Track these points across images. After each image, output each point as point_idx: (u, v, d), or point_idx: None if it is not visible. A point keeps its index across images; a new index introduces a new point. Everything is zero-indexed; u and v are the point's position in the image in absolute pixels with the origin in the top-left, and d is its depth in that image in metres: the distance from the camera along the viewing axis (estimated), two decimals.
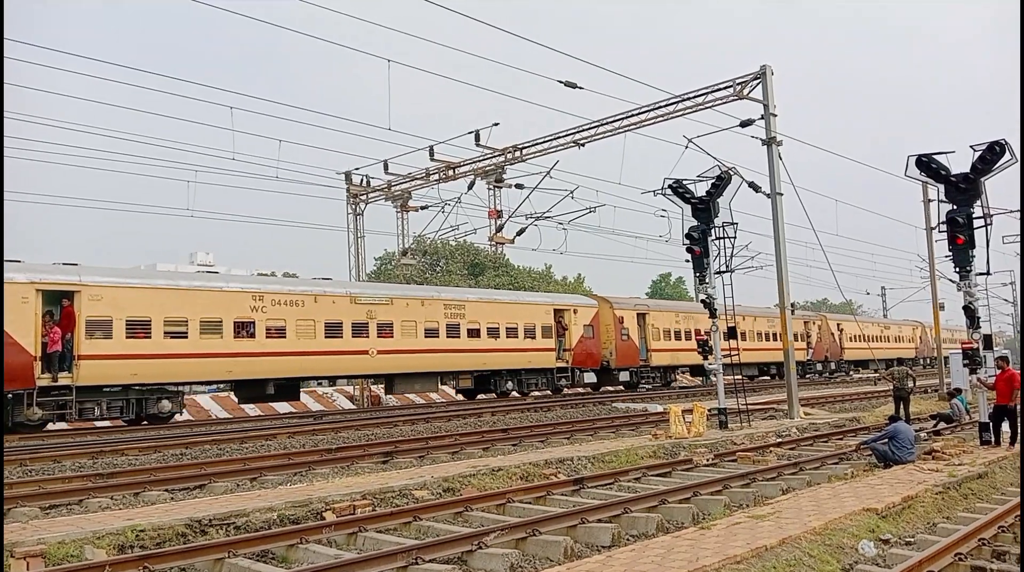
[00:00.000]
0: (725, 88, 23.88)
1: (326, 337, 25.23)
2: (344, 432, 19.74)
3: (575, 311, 33.69)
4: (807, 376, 46.66)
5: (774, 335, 42.82)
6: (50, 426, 21.82)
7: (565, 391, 34.06)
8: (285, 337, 24.16)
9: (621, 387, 36.54)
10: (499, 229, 34.14)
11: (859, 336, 55.26)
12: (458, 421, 22.21)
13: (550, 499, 11.15)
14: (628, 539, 9.01)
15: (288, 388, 25.69)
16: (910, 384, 20.21)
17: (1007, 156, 14.38)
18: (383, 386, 30.74)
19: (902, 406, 19.63)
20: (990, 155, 14.51)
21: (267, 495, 10.90)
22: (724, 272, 20.02)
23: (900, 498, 9.88)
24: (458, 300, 29.86)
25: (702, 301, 20.30)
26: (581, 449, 15.42)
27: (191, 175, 27.45)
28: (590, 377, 34.38)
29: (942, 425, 18.67)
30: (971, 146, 14.82)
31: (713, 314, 19.74)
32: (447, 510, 10.12)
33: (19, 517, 10.20)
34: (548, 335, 32.34)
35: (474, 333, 29.71)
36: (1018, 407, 14.55)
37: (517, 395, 31.99)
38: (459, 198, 32.90)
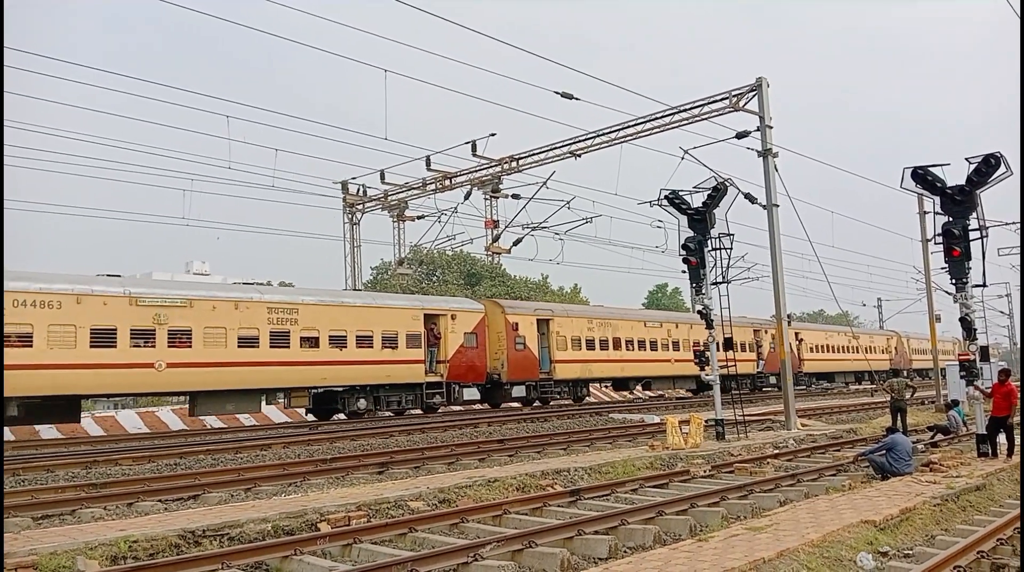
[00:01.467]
0: (721, 100, 23.95)
1: (92, 347, 20.62)
2: (339, 442, 19.64)
3: (452, 317, 29.14)
4: (761, 389, 43.54)
5: (740, 345, 39.70)
6: (44, 435, 21.67)
7: (442, 410, 29.88)
8: (32, 346, 19.64)
9: (517, 404, 32.02)
10: (495, 239, 34.10)
11: (821, 346, 51.71)
12: (454, 432, 22.12)
13: (547, 510, 11.08)
14: (625, 551, 8.95)
15: (55, 409, 20.83)
16: (908, 395, 20.17)
17: (1002, 169, 14.42)
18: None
19: (899, 418, 19.60)
20: (985, 167, 14.55)
21: (261, 506, 10.82)
22: (720, 283, 20.02)
23: (898, 510, 9.84)
24: (288, 303, 24.94)
25: (698, 312, 20.29)
26: (578, 460, 15.35)
27: (187, 184, 27.39)
28: (472, 393, 29.80)
29: (939, 437, 18.64)
30: (967, 158, 14.86)
31: (710, 325, 19.71)
32: (443, 521, 10.05)
33: (11, 527, 10.10)
34: (415, 344, 27.65)
35: (310, 342, 25.03)
36: (1016, 422, 14.54)
37: (390, 413, 27.92)
38: (456, 208, 32.94)
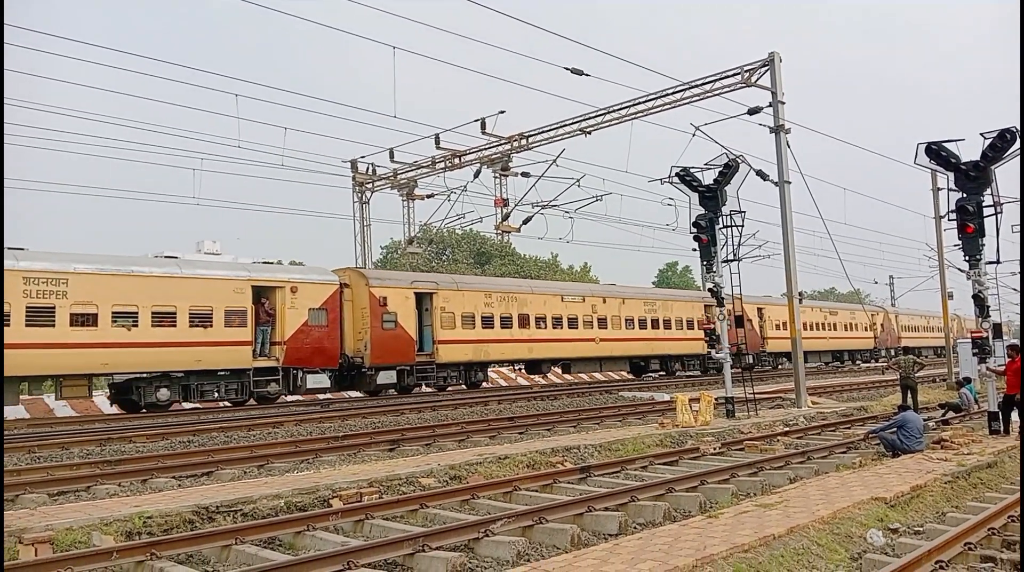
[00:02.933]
0: (733, 75, 23.72)
1: None
2: (351, 420, 19.77)
3: (292, 289, 24.64)
4: (708, 372, 39.43)
5: (697, 323, 37.80)
6: (58, 413, 21.87)
7: (285, 398, 25.74)
8: None
9: (393, 391, 27.82)
10: (505, 217, 34.00)
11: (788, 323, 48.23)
12: (464, 409, 22.22)
13: (557, 487, 11.13)
14: (635, 527, 8.98)
15: None
16: (917, 372, 20.13)
17: (1017, 144, 14.25)
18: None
19: (910, 395, 19.55)
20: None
21: (274, 482, 10.91)
22: (731, 261, 19.92)
23: (909, 487, 9.84)
24: (54, 273, 20.34)
25: (709, 290, 20.22)
26: (587, 437, 15.40)
27: (197, 163, 27.38)
28: (319, 380, 25.39)
29: (951, 414, 18.60)
30: (981, 134, 14.69)
31: (720, 303, 19.65)
32: (454, 498, 10.12)
33: (27, 503, 10.24)
34: (238, 322, 23.32)
35: (84, 321, 20.65)
36: None
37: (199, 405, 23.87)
38: (465, 186, 32.80)
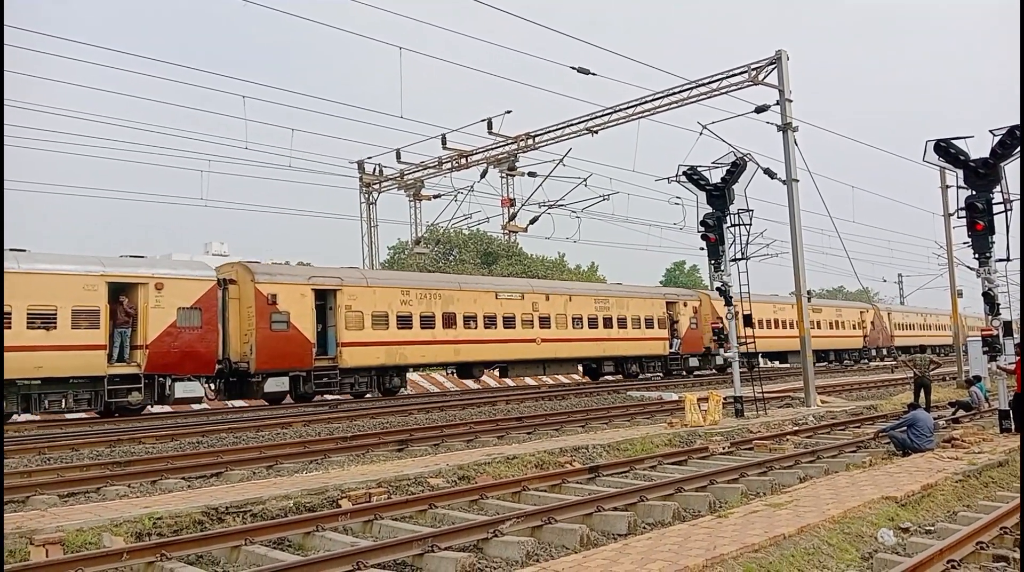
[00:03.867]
0: (740, 74, 23.68)
1: None
2: (359, 420, 19.80)
3: (158, 286, 21.56)
4: (672, 374, 36.75)
5: (639, 321, 35.32)
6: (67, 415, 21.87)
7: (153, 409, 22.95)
8: None
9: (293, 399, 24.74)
10: (512, 217, 34.05)
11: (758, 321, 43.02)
12: (473, 409, 22.22)
13: (565, 487, 11.11)
14: (644, 527, 8.96)
15: None
16: (933, 371, 20.13)
17: None
18: None
19: (923, 394, 19.48)
20: (1010, 140, 14.28)
21: (283, 483, 10.93)
22: (739, 259, 19.88)
23: (919, 486, 9.79)
24: None
25: (717, 289, 20.18)
26: (596, 437, 15.38)
27: (205, 165, 27.47)
28: (191, 388, 22.32)
29: (961, 413, 18.51)
30: (991, 130, 14.60)
31: (728, 302, 19.60)
32: (462, 498, 10.11)
33: (38, 504, 10.28)
34: (89, 324, 20.34)
35: None
36: None
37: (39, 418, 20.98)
38: (472, 186, 32.85)
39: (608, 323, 34.01)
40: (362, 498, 9.97)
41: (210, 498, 9.71)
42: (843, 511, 8.42)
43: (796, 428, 17.15)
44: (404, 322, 26.85)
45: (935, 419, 15.39)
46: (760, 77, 23.09)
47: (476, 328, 28.92)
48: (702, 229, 19.68)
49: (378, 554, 7.39)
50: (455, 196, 33.75)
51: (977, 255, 14.95)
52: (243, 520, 9.15)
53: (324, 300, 25.45)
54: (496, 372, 33.35)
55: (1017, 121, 14.24)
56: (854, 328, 52.53)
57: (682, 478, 10.94)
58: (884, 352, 55.70)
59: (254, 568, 7.42)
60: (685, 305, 38.32)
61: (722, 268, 19.53)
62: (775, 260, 40.67)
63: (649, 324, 35.99)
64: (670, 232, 47.04)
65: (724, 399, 19.02)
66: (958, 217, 15.58)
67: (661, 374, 36.63)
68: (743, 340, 19.76)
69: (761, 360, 41.08)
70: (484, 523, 8.45)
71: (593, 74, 24.13)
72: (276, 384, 23.85)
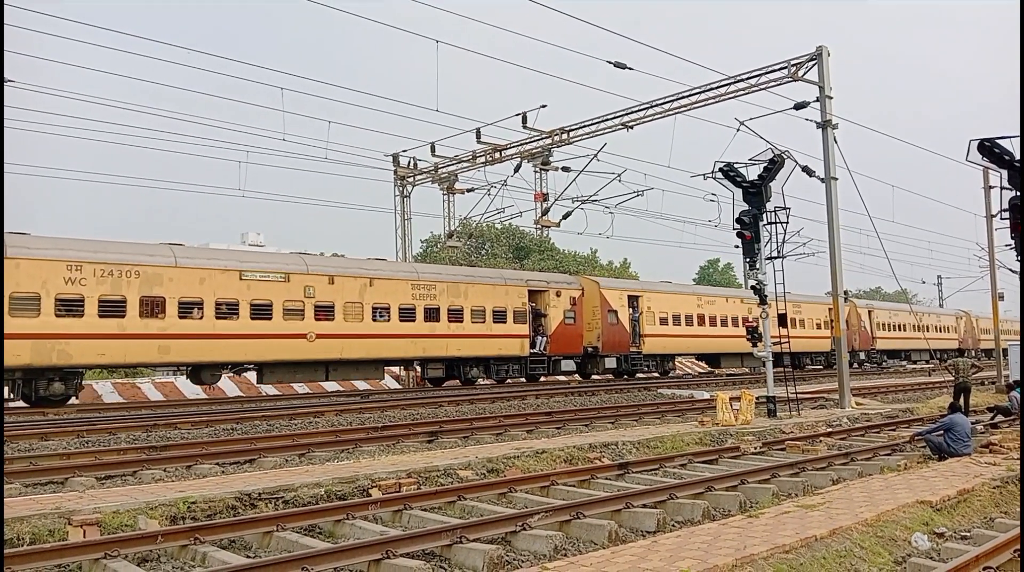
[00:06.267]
0: (780, 69, 23.35)
1: None
2: (390, 411, 19.95)
3: None
4: (534, 380, 30.78)
5: (514, 315, 29.40)
6: (106, 400, 22.31)
7: None
8: None
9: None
10: (545, 212, 33.96)
11: (672, 317, 35.86)
12: (502, 403, 22.26)
13: (594, 483, 11.10)
14: (673, 525, 8.92)
15: None
16: (974, 375, 19.83)
17: None
18: None
19: (962, 397, 19.15)
20: None
21: (315, 471, 11.05)
22: (775, 258, 19.66)
23: (955, 491, 9.61)
24: None
25: (752, 287, 19.95)
26: (626, 434, 15.33)
27: (243, 156, 27.70)
28: None
29: (1000, 418, 18.15)
30: (1020, 130, 14.26)
31: (763, 301, 19.38)
32: (491, 491, 10.15)
33: (76, 486, 10.51)
34: None
35: None
36: None
37: None
38: (505, 181, 32.81)
39: (432, 315, 27.24)
40: (392, 488, 10.05)
41: (243, 484, 9.85)
42: (876, 514, 8.30)
43: (830, 429, 16.95)
44: (70, 308, 20.15)
45: (973, 424, 15.09)
46: (800, 73, 22.76)
47: (200, 318, 22.28)
48: (737, 226, 19.48)
49: (407, 543, 7.44)
50: (488, 190, 33.78)
51: (1020, 257, 14.64)
52: (275, 506, 9.27)
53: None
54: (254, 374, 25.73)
55: None
56: (818, 327, 44.22)
57: (712, 477, 10.86)
58: (863, 357, 47.84)
59: (285, 553, 7.52)
60: (558, 295, 31.51)
61: (757, 266, 19.31)
62: (811, 259, 40.05)
63: (499, 317, 29.20)
64: (705, 229, 46.67)
65: (756, 399, 18.84)
66: (1001, 218, 15.27)
67: (523, 379, 30.54)
68: (777, 340, 19.53)
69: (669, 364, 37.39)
70: (513, 516, 8.48)
71: (630, 69, 23.99)
72: None
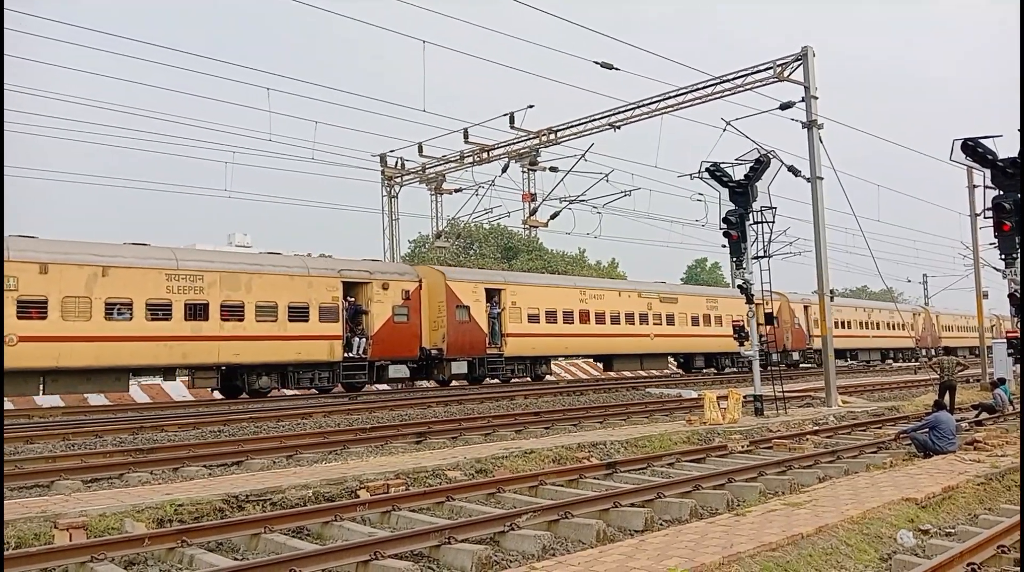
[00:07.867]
0: (765, 70, 23.47)
1: None
2: (378, 412, 19.91)
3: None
4: (355, 388, 26.53)
5: (322, 311, 24.32)
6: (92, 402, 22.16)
7: None
8: None
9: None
10: (533, 212, 33.99)
11: (547, 313, 31.21)
12: (491, 403, 22.26)
13: (582, 482, 11.13)
14: (661, 524, 8.95)
15: None
16: (959, 373, 20.02)
17: None
18: None
19: (948, 395, 19.31)
20: None
21: (303, 472, 11.03)
22: (762, 257, 19.76)
23: (940, 488, 9.69)
24: None
25: (739, 286, 20.05)
26: (614, 433, 15.37)
27: (229, 156, 27.57)
28: None
29: (984, 415, 18.31)
30: (1019, 129, 14.41)
31: (750, 300, 19.47)
32: (480, 491, 10.15)
33: (62, 489, 10.44)
34: None
35: None
36: None
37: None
38: (493, 181, 32.83)
39: (196, 312, 22.17)
40: (380, 489, 10.04)
41: (231, 486, 9.81)
42: (862, 512, 8.36)
43: (816, 428, 17.05)
44: None
45: (958, 421, 15.22)
46: (786, 73, 22.88)
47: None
48: (724, 226, 19.57)
49: (395, 544, 7.44)
50: (476, 190, 33.78)
51: (1003, 256, 14.80)
52: (263, 508, 9.25)
53: None
54: None
55: None
56: (695, 324, 38.35)
57: (700, 476, 10.91)
58: (795, 356, 42.76)
59: (273, 556, 7.50)
60: (385, 288, 26.32)
61: (744, 266, 19.40)
62: (798, 258, 40.20)
63: (299, 315, 24.19)
64: (692, 229, 46.69)
65: (744, 397, 18.93)
66: (985, 217, 15.42)
67: (339, 387, 26.24)
68: (763, 337, 19.62)
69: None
70: (501, 516, 8.49)
71: (616, 69, 24.04)
72: None
